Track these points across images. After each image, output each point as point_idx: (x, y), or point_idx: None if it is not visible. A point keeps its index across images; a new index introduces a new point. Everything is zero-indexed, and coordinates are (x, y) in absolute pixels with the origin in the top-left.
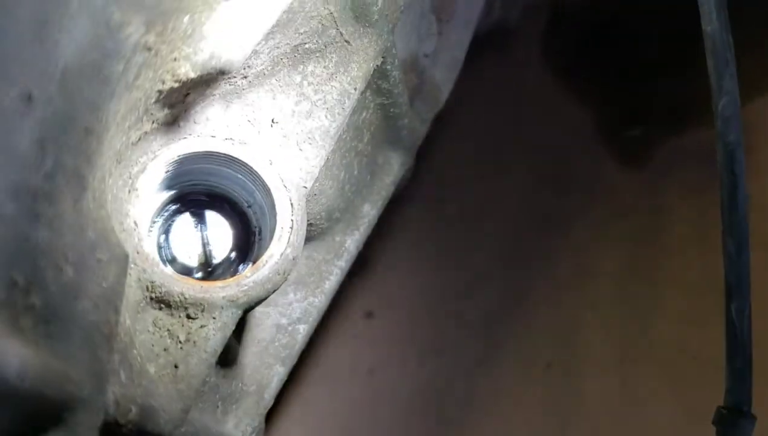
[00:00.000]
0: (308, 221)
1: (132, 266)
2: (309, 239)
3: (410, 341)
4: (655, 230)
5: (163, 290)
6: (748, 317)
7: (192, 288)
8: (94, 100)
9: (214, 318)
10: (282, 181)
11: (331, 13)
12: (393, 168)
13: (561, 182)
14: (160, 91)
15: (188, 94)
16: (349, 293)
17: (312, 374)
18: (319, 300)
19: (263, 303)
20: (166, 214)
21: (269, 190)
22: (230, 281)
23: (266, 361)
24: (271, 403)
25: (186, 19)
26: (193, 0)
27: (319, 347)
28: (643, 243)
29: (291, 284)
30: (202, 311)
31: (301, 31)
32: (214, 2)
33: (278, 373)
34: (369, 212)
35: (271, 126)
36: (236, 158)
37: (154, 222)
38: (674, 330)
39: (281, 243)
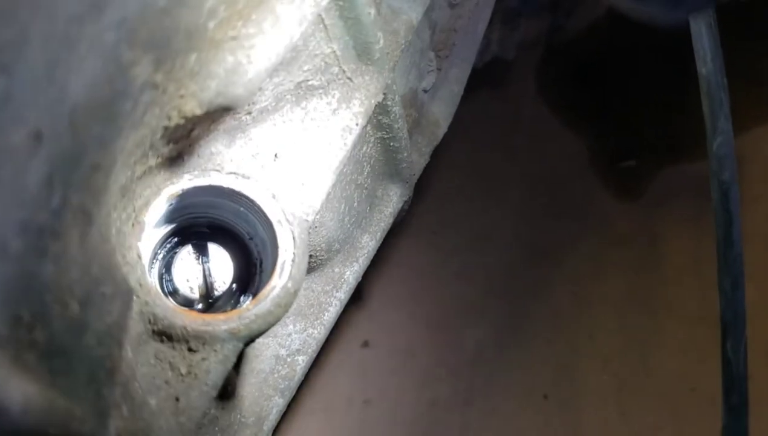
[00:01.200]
0: (308, 252)
1: (135, 298)
2: (308, 270)
3: (406, 371)
4: (652, 260)
5: (166, 322)
6: (744, 353)
7: (194, 321)
8: (103, 137)
9: (215, 351)
10: (284, 214)
11: (334, 51)
12: (392, 200)
13: (557, 213)
14: (166, 127)
15: (193, 129)
16: (346, 323)
17: (308, 405)
18: (318, 331)
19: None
20: (168, 246)
21: (271, 223)
22: (232, 313)
23: (265, 392)
24: (270, 435)
25: (193, 57)
26: (201, 40)
27: (316, 377)
28: (641, 273)
29: (290, 315)
30: (204, 343)
31: (305, 68)
32: (220, 42)
33: (277, 404)
34: (368, 244)
35: (274, 160)
36: (239, 192)
37: (157, 254)
38: (673, 361)
39: (283, 276)
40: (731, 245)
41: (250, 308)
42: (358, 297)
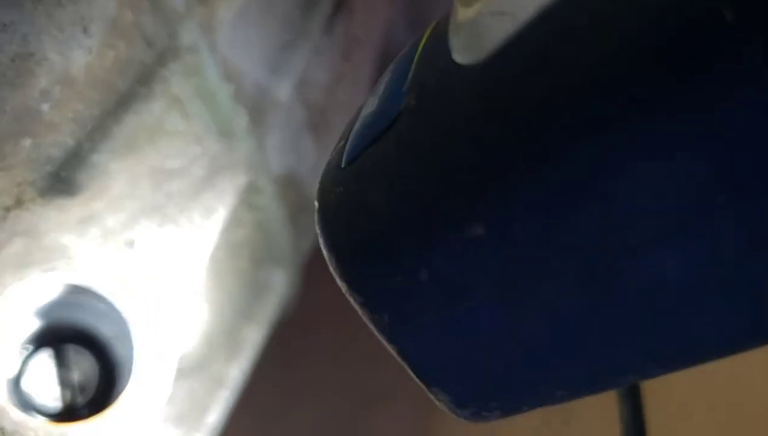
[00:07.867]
0: (184, 349)
1: None
2: (187, 369)
3: None
4: None
5: None
6: None
7: (49, 433)
8: None
9: None
10: (144, 310)
11: (193, 129)
12: (277, 286)
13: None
14: (4, 219)
15: (39, 221)
16: None
17: None
18: (202, 435)
19: None
20: (25, 352)
21: (130, 321)
22: (92, 421)
23: None
24: None
25: (29, 143)
26: (35, 125)
27: None
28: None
29: (171, 419)
30: None
31: (162, 150)
32: (59, 124)
33: None
34: (254, 335)
35: (132, 249)
36: (94, 290)
37: (12, 361)
38: None
39: (145, 378)
40: None
41: (109, 413)
42: None
